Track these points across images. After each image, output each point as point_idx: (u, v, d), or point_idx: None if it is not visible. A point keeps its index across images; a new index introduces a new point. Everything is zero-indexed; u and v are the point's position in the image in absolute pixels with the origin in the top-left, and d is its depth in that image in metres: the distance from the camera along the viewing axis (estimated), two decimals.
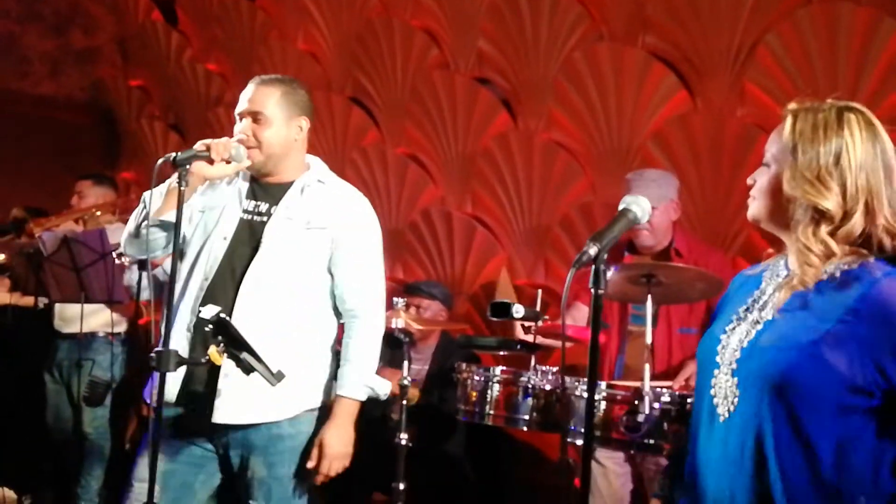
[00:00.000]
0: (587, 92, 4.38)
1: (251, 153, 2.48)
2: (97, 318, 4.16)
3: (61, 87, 7.46)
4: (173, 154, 2.33)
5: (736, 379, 1.54)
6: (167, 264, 4.02)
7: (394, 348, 3.51)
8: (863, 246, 1.51)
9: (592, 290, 1.62)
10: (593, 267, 1.61)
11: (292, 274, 2.48)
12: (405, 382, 3.29)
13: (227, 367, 2.32)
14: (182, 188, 2.30)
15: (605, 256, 1.62)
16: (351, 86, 5.68)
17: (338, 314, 2.57)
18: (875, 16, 3.39)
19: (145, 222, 2.45)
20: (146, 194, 2.48)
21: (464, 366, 3.04)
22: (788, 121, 1.55)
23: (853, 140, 1.51)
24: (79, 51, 7.54)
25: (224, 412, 2.41)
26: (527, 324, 3.08)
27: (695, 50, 4.09)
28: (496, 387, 2.94)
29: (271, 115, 2.51)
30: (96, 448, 4.21)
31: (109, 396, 4.20)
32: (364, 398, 2.52)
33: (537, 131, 4.67)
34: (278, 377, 2.31)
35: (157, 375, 2.41)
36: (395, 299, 3.37)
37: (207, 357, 2.26)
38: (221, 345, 2.35)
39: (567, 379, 2.85)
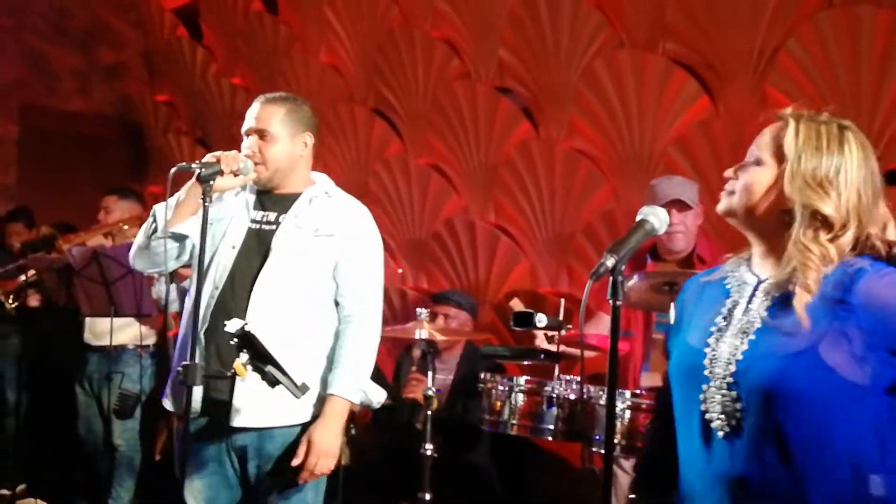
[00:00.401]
0: (608, 99, 4.38)
1: (257, 169, 2.55)
2: (126, 332, 4.22)
3: (89, 102, 7.58)
4: (196, 168, 2.38)
5: (734, 393, 1.54)
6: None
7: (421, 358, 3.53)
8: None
9: (610, 302, 1.63)
10: (611, 278, 1.62)
11: (301, 281, 2.52)
12: (430, 393, 3.30)
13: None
14: (207, 204, 2.35)
15: (623, 267, 1.63)
16: (373, 97, 5.71)
17: None
18: None
19: (156, 234, 2.51)
20: (157, 207, 2.54)
21: (488, 376, 3.05)
22: (791, 126, 1.58)
23: (852, 158, 1.56)
24: (106, 67, 7.66)
25: (241, 416, 2.46)
26: (550, 333, 3.08)
27: (716, 55, 4.08)
28: (520, 397, 2.95)
29: (276, 133, 2.56)
30: (127, 460, 4.27)
31: (139, 409, 4.26)
32: (357, 401, 2.53)
33: (559, 139, 4.67)
34: (303, 389, 2.34)
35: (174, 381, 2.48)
36: (418, 310, 3.39)
37: (233, 370, 2.30)
38: (247, 358, 2.38)
39: (591, 388, 2.85)
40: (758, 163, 1.60)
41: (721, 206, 1.65)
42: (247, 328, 2.34)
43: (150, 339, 4.31)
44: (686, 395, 1.63)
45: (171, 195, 2.48)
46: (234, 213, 2.60)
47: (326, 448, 2.45)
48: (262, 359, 2.37)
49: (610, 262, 1.60)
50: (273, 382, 2.37)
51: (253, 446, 2.49)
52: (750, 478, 1.53)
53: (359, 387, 2.53)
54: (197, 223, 2.47)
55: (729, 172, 1.64)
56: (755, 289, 1.60)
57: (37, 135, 7.03)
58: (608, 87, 4.36)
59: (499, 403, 2.99)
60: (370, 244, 2.64)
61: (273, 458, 2.48)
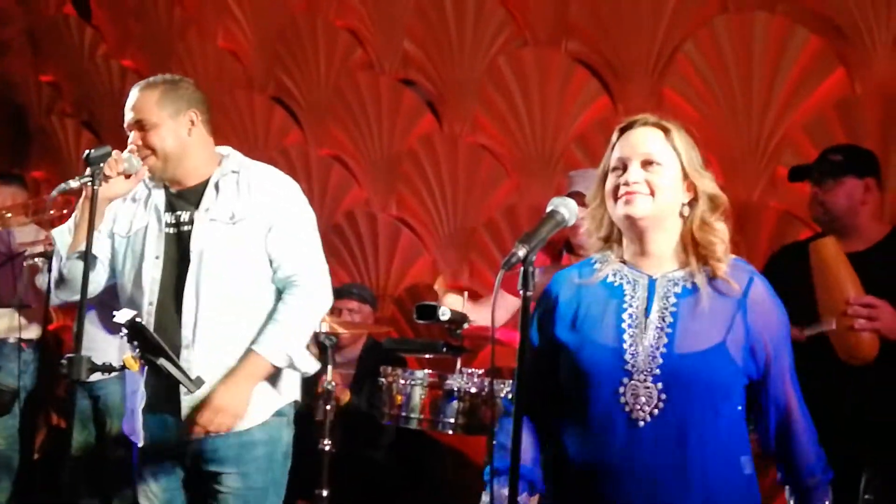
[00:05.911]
0: (511, 96, 4.41)
1: (148, 161, 2.43)
2: (4, 324, 4.00)
3: None
4: (76, 183, 2.33)
5: (659, 384, 1.67)
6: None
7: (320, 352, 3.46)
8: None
9: (521, 292, 1.62)
10: (522, 269, 1.62)
11: (232, 276, 2.40)
12: (329, 387, 3.24)
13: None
14: (96, 188, 2.29)
15: (534, 258, 1.63)
16: (273, 85, 5.58)
17: None
18: (789, 25, 3.50)
19: (63, 262, 2.41)
20: (54, 233, 2.45)
21: (388, 369, 3.01)
22: (673, 129, 1.77)
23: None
24: None
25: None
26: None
27: (616, 56, 4.16)
28: (421, 390, 2.92)
29: (155, 119, 2.44)
30: (5, 459, 4.05)
31: (19, 405, 4.04)
32: (281, 365, 2.40)
33: (462, 134, 4.68)
34: (197, 383, 2.27)
35: (135, 412, 2.40)
36: None
37: (122, 364, 2.21)
38: (137, 350, 2.29)
39: (493, 382, 2.85)
40: (658, 164, 1.73)
41: (643, 209, 1.72)
42: (137, 319, 2.24)
43: (33, 333, 4.10)
44: (601, 389, 1.71)
45: (52, 210, 2.43)
46: (147, 222, 2.47)
47: (225, 405, 2.31)
48: (153, 351, 2.28)
49: (521, 251, 1.60)
50: (166, 377, 2.29)
51: (206, 452, 2.38)
52: (670, 462, 1.67)
53: (286, 350, 2.38)
54: (102, 240, 2.41)
55: (637, 177, 1.72)
56: (651, 285, 1.74)
57: None
58: (511, 83, 4.39)
59: (400, 397, 2.96)
60: (296, 206, 2.50)
61: (230, 460, 2.38)
